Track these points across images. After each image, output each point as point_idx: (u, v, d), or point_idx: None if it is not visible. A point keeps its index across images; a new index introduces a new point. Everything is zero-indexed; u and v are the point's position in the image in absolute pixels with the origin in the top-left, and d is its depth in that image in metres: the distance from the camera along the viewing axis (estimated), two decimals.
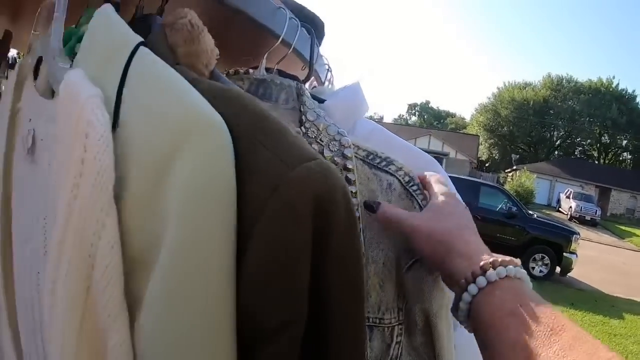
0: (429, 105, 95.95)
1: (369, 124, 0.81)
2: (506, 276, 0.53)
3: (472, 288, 0.54)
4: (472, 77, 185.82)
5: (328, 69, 1.22)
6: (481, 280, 0.53)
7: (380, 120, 78.82)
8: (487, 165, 54.37)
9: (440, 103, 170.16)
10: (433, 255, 0.61)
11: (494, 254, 0.57)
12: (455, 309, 0.56)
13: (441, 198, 0.66)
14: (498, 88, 58.71)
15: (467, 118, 79.07)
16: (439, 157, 39.63)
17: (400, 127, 55.61)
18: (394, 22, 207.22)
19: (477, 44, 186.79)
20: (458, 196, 0.71)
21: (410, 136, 41.63)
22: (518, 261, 0.56)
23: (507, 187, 26.54)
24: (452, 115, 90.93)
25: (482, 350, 0.52)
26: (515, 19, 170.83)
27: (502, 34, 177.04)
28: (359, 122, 0.78)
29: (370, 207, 0.64)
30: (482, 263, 0.54)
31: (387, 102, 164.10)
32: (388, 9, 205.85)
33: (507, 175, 36.14)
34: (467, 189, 10.31)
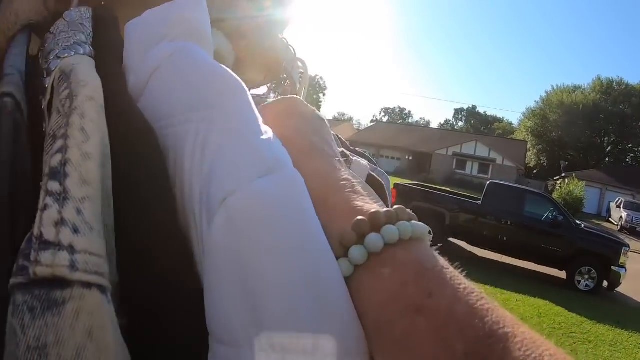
0: (476, 111, 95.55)
1: (163, 52, 0.52)
2: (399, 240, 0.36)
3: (345, 265, 0.38)
4: (520, 81, 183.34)
5: None
6: (357, 252, 0.37)
7: (426, 126, 78.98)
8: (535, 172, 53.32)
9: (487, 108, 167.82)
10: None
11: (372, 196, 0.43)
12: None
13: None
14: (546, 92, 57.68)
15: (515, 123, 77.88)
16: (486, 163, 39.72)
17: (446, 132, 55.55)
18: (440, 25, 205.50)
19: (525, 47, 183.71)
20: None
21: (456, 142, 41.55)
22: (409, 212, 0.40)
23: (555, 195, 25.94)
24: (500, 121, 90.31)
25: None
26: (564, 20, 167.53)
27: (551, 36, 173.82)
28: (153, 53, 0.53)
29: None
30: (355, 220, 0.38)
31: (434, 107, 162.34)
32: (436, 13, 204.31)
33: (556, 183, 35.25)
34: (512, 197, 10.10)
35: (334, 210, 0.41)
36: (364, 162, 0.81)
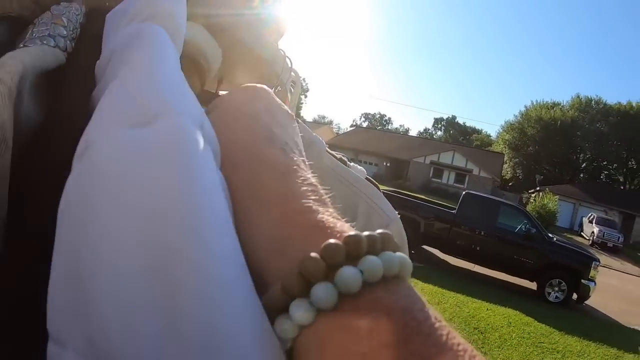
0: (455, 121, 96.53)
1: (123, 37, 0.48)
2: (382, 278, 0.26)
3: (302, 310, 0.26)
4: (500, 95, 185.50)
5: None
6: (323, 291, 0.25)
7: (405, 133, 79.59)
8: (510, 184, 53.97)
9: (466, 119, 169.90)
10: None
11: (332, 216, 0.31)
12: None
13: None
14: (525, 106, 58.39)
15: (493, 136, 78.96)
16: (462, 173, 40.08)
17: (425, 140, 55.94)
18: (425, 35, 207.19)
19: (507, 61, 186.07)
20: None
21: (434, 151, 41.85)
22: (393, 239, 0.29)
23: (529, 208, 26.23)
24: (478, 132, 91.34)
25: None
26: (547, 36, 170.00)
27: (534, 50, 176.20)
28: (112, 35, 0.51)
29: None
30: (326, 244, 0.27)
31: (414, 115, 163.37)
32: (416, 18, 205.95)
33: (530, 196, 35.71)
34: (486, 208, 10.21)
35: (290, 221, 0.30)
36: (361, 168, 0.80)
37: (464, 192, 10.91)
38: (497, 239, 9.81)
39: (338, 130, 69.99)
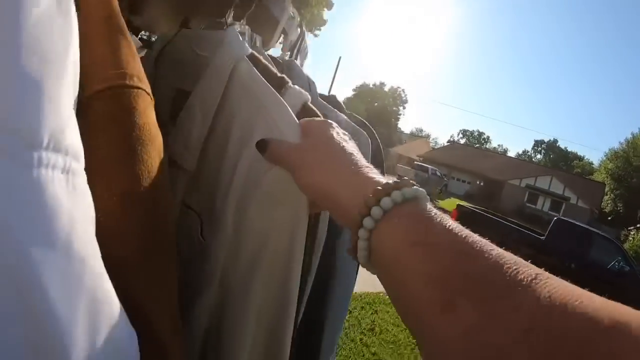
0: (557, 145, 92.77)
1: None
2: (404, 200, 0.46)
3: (368, 222, 0.47)
4: (606, 120, 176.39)
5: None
6: (376, 211, 0.46)
7: (504, 153, 77.45)
8: (610, 218, 50.87)
9: (568, 142, 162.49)
10: (318, 195, 0.55)
11: (385, 176, 0.53)
12: (354, 251, 0.49)
13: (313, 130, 0.61)
14: (632, 134, 54.73)
15: (596, 164, 75.02)
16: (559, 200, 38.57)
17: (522, 162, 54.41)
18: (532, 53, 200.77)
19: (619, 82, 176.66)
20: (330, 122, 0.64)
21: (531, 174, 40.55)
22: (411, 181, 0.49)
23: (626, 245, 24.69)
24: (580, 159, 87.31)
25: (393, 296, 0.45)
26: None
27: None
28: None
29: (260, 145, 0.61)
30: (374, 190, 0.48)
31: (514, 135, 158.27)
32: (523, 35, 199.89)
33: (629, 233, 33.51)
34: (578, 238, 9.57)
35: (362, 182, 0.51)
36: (305, 92, 0.75)
37: (555, 218, 10.30)
38: (587, 273, 9.01)
39: (435, 145, 68.99)
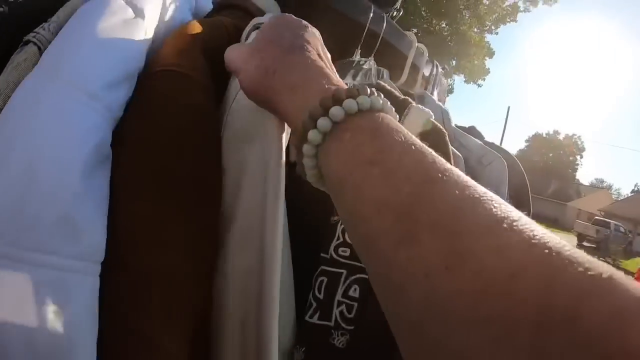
0: None
1: None
2: (358, 110, 0.40)
3: (314, 135, 0.40)
4: None
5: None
6: (324, 123, 0.40)
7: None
8: None
9: None
10: (259, 101, 0.50)
11: (340, 81, 0.45)
12: (301, 168, 0.44)
13: (267, 28, 0.53)
14: None
15: None
16: None
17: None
18: None
19: None
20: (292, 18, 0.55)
21: None
22: (372, 90, 0.42)
23: None
24: None
25: (345, 223, 0.40)
26: None
27: None
28: None
29: None
30: (321, 97, 0.41)
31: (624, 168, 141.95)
32: None
33: None
34: None
35: (311, 87, 0.45)
36: (427, 110, 0.80)
37: None
38: None
39: (617, 197, 61.54)
